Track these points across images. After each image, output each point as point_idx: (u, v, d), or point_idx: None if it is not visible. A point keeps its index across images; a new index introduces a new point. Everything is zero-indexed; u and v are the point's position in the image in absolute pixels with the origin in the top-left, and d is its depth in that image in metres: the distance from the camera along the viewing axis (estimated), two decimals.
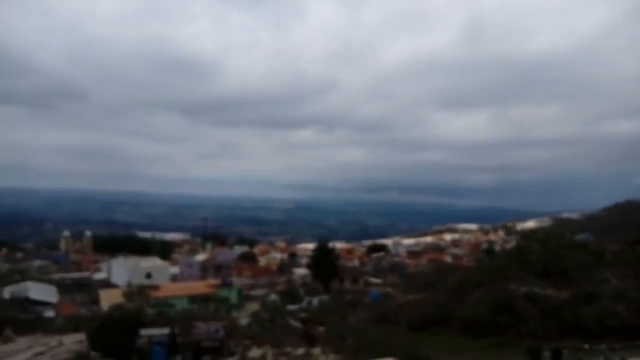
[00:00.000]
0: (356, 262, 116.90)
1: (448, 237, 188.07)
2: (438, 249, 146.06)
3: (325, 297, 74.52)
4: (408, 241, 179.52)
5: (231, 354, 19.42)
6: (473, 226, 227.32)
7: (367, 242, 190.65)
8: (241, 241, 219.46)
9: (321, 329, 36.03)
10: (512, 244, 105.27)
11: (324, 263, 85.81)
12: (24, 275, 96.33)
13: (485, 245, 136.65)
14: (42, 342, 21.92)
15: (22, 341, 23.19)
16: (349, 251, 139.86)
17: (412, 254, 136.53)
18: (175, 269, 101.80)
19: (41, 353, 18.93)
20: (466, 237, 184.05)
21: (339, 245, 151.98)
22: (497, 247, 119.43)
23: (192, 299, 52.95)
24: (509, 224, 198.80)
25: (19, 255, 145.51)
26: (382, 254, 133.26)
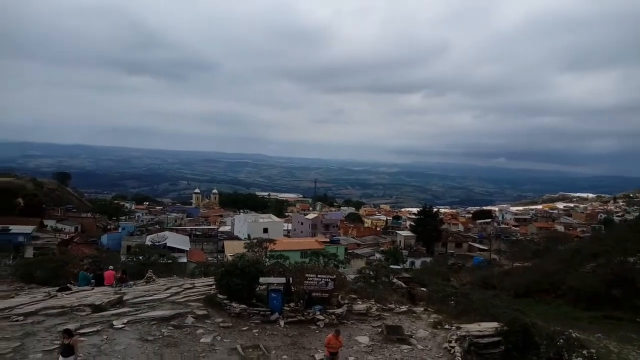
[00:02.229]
0: (460, 227, 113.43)
1: (560, 205, 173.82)
2: (549, 217, 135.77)
3: (427, 260, 73.80)
4: (516, 208, 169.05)
5: (339, 305, 20.15)
6: (589, 195, 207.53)
7: (473, 208, 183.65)
8: (348, 202, 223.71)
9: (423, 289, 35.87)
10: (633, 214, 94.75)
11: (428, 226, 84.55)
12: (162, 226, 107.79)
13: (602, 216, 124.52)
14: (178, 283, 24.39)
15: (161, 281, 26.08)
16: (454, 216, 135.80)
17: (520, 221, 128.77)
18: (288, 225, 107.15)
19: (177, 293, 21.11)
20: (581, 206, 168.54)
21: (443, 210, 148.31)
22: (617, 218, 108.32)
23: (303, 253, 55.59)
24: (631, 194, 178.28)
25: (158, 208, 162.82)
26: (488, 220, 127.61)
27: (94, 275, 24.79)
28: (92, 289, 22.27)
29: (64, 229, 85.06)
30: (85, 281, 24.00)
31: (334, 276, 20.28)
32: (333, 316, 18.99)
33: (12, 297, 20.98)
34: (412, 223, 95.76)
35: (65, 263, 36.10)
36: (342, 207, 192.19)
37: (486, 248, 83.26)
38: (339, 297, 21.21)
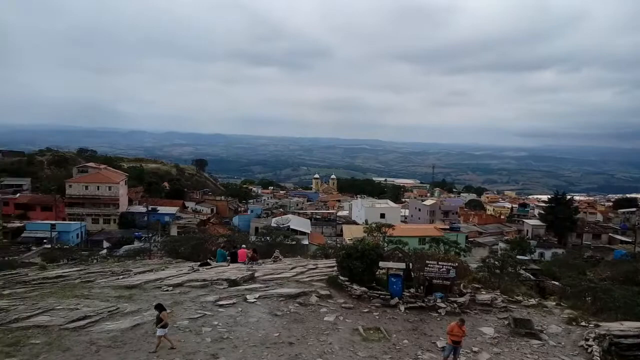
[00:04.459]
0: (599, 217, 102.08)
1: None
2: None
3: (559, 251, 67.90)
4: None
5: (461, 293, 19.53)
6: None
7: (614, 196, 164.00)
8: (468, 189, 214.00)
9: (554, 283, 33.13)
10: None
11: (560, 215, 77.64)
12: (285, 209, 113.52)
13: None
14: (302, 263, 25.61)
15: (287, 261, 27.59)
16: (590, 204, 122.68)
17: None
18: (405, 211, 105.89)
19: (301, 273, 22.19)
20: None
21: (578, 197, 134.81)
22: None
23: (421, 239, 54.61)
24: None
25: (281, 192, 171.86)
26: (632, 209, 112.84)
27: (229, 252, 27.04)
28: (228, 265, 24.35)
29: (202, 210, 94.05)
30: (222, 258, 26.31)
31: (456, 264, 19.67)
32: (455, 305, 18.47)
33: (163, 270, 23.78)
34: (542, 211, 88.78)
35: (204, 241, 39.95)
36: (462, 194, 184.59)
37: (630, 240, 74.02)
38: (461, 285, 20.54)
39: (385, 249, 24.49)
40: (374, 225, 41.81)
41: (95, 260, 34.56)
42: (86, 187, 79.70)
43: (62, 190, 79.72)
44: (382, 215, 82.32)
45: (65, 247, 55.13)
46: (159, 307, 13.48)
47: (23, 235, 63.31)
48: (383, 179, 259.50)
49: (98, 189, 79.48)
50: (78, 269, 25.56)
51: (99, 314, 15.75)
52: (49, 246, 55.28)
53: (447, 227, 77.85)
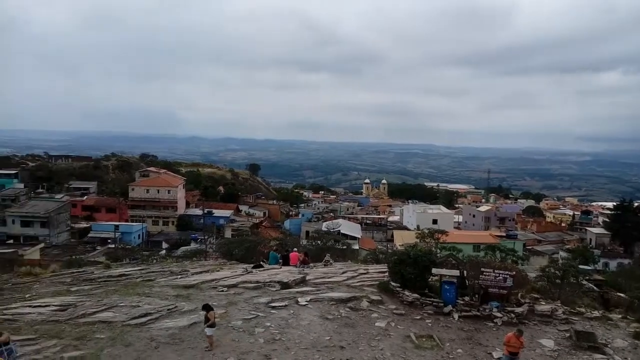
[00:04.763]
0: None
1: None
2: None
3: (625, 261, 63.86)
4: None
5: (518, 303, 18.76)
6: None
7: None
8: (526, 194, 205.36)
9: (620, 295, 31.08)
10: None
11: (627, 224, 73.06)
12: (336, 214, 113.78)
13: None
14: (353, 268, 25.54)
15: (338, 265, 27.62)
16: None
17: None
18: (458, 217, 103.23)
19: (352, 277, 22.13)
20: None
21: None
22: None
23: (476, 246, 52.98)
24: None
25: (332, 197, 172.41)
26: None
27: (281, 255, 27.43)
28: (280, 267, 24.69)
29: (255, 213, 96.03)
30: (274, 260, 26.72)
31: (513, 273, 18.90)
32: (512, 315, 17.75)
33: (218, 271, 24.46)
34: (607, 219, 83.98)
35: (257, 244, 40.79)
36: (519, 200, 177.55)
37: None
38: (519, 295, 19.72)
39: (438, 255, 23.93)
40: (426, 231, 41.07)
41: (155, 260, 36.11)
42: (147, 191, 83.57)
43: (125, 194, 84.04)
44: (435, 221, 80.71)
45: (127, 247, 57.96)
46: (207, 308, 13.87)
47: (89, 235, 67.19)
48: (435, 184, 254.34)
49: (158, 192, 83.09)
50: (139, 268, 26.79)
51: (158, 312, 16.44)
52: (113, 246, 58.32)
53: (504, 234, 75.14)
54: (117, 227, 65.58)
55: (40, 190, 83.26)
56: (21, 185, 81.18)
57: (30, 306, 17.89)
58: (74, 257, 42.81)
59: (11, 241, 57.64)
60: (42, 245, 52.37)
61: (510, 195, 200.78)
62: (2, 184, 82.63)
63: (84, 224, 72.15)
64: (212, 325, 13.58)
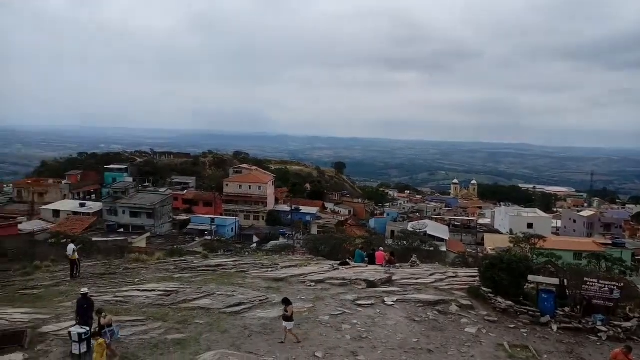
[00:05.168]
0: None
1: None
2: None
3: None
4: None
5: (627, 317, 17.06)
6: None
7: None
8: (636, 199, 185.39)
9: None
10: None
11: None
12: (422, 214, 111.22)
13: None
14: (441, 271, 24.78)
15: (425, 267, 26.97)
16: None
17: None
18: (557, 222, 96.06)
19: (440, 280, 21.49)
20: None
21: None
22: None
23: (577, 254, 49.01)
24: None
25: (418, 197, 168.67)
26: None
27: (367, 254, 27.45)
28: (366, 266, 24.72)
29: (340, 211, 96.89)
30: (360, 258, 26.82)
31: (621, 284, 17.25)
32: (619, 330, 16.20)
33: (305, 266, 25.07)
34: None
35: (343, 241, 41.19)
36: (627, 205, 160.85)
37: None
38: (627, 309, 17.93)
39: (535, 261, 22.47)
40: (521, 235, 38.77)
41: (247, 253, 37.88)
42: (240, 186, 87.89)
43: (220, 189, 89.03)
44: (530, 226, 75.91)
45: (222, 239, 61.42)
46: (286, 302, 14.12)
47: (188, 227, 72.14)
48: (531, 185, 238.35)
49: (250, 188, 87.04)
50: (233, 259, 28.29)
51: (251, 302, 17.25)
52: (209, 238, 62.10)
53: (609, 242, 68.54)
54: (213, 220, 69.77)
55: (146, 184, 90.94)
56: (130, 179, 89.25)
57: (138, 290, 19.68)
58: (175, 246, 46.25)
59: (121, 230, 63.55)
60: (148, 234, 57.10)
61: (617, 200, 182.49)
62: (115, 177, 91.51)
63: (184, 216, 77.61)
64: (291, 319, 13.86)
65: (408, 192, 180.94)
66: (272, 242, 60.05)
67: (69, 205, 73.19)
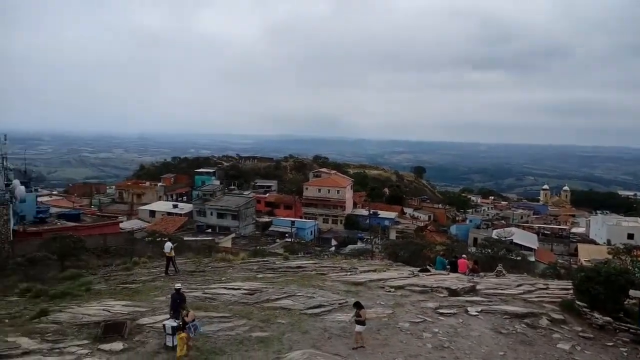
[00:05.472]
0: None
1: None
2: None
3: None
4: None
5: None
6: None
7: None
8: None
9: None
10: None
11: None
12: (507, 221, 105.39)
13: None
14: (530, 282, 23.30)
15: (511, 277, 25.53)
16: None
17: None
18: None
19: (529, 291, 20.21)
20: None
21: None
22: None
23: None
24: None
25: (503, 203, 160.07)
26: None
27: (448, 261, 26.62)
28: (448, 274, 23.98)
29: (419, 217, 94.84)
30: (441, 265, 26.07)
31: None
32: None
33: (384, 271, 24.86)
34: None
35: (423, 247, 40.25)
36: None
37: None
38: None
39: (636, 275, 20.40)
40: (621, 246, 35.46)
41: (326, 256, 38.34)
42: (319, 190, 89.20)
43: (300, 192, 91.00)
44: (630, 236, 69.15)
45: (302, 241, 62.67)
46: (357, 305, 14.02)
47: (270, 228, 74.49)
48: (632, 192, 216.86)
49: (328, 192, 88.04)
50: (313, 262, 28.79)
51: (331, 305, 17.45)
52: (290, 240, 63.66)
53: None
54: (293, 222, 71.46)
55: (232, 187, 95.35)
56: (217, 182, 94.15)
57: (225, 288, 20.68)
58: (258, 247, 47.98)
59: (209, 230, 67.12)
60: (233, 235, 59.80)
61: None
62: (204, 180, 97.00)
63: (266, 219, 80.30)
64: (363, 323, 13.75)
65: (492, 197, 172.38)
66: (350, 246, 60.17)
67: (163, 206, 78.80)
